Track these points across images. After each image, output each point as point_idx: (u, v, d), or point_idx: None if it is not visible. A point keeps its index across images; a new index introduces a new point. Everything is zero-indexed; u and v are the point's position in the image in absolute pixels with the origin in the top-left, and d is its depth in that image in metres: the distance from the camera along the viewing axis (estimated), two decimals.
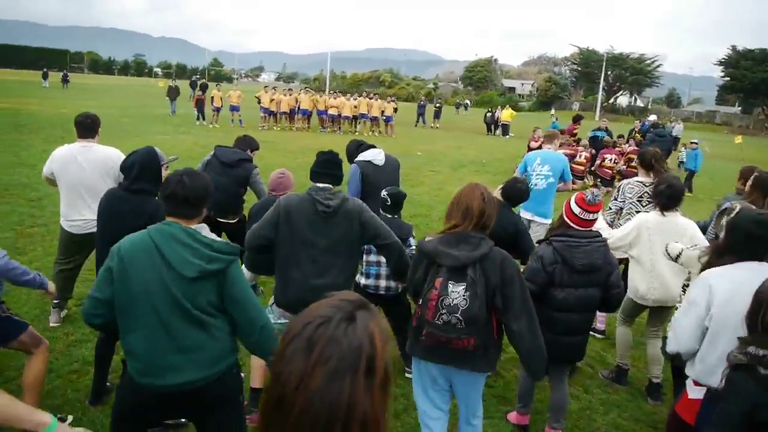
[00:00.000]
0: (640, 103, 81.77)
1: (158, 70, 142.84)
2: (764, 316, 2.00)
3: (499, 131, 30.50)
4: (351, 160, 5.39)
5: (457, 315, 2.65)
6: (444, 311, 2.67)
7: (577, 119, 18.22)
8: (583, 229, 3.32)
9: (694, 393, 2.67)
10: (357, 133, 24.84)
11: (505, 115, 30.44)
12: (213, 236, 2.43)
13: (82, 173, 4.36)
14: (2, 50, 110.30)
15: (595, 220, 3.34)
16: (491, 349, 2.86)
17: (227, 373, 2.44)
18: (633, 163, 14.28)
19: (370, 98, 26.09)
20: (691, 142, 15.19)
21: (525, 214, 6.26)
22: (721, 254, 2.77)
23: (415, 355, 2.97)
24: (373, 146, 5.48)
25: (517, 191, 4.14)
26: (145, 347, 2.31)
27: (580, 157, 13.93)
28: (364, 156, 5.30)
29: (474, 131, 31.45)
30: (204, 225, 2.50)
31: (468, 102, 65.02)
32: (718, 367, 2.53)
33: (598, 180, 13.76)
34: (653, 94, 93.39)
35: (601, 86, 65.32)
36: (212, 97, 23.54)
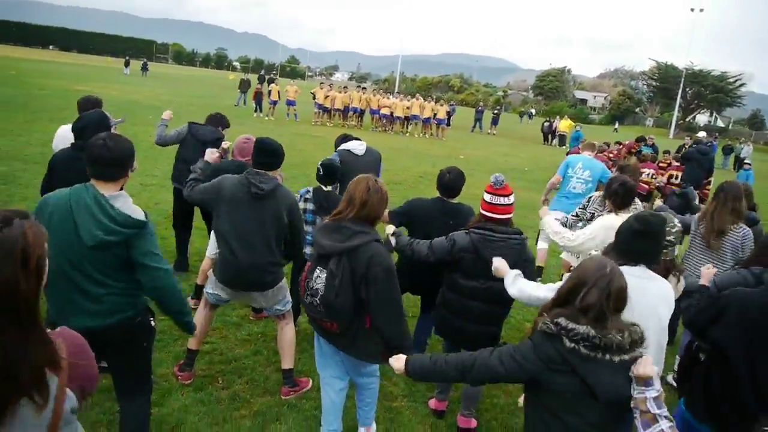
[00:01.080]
0: (720, 123, 77.58)
1: (236, 63, 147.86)
2: (585, 296, 1.99)
3: (555, 141, 29.93)
4: (336, 149, 5.66)
5: (317, 299, 2.82)
6: (309, 293, 2.86)
7: (640, 139, 18.01)
8: (498, 216, 3.34)
9: None
10: (408, 134, 25.05)
11: (563, 125, 29.84)
12: (128, 206, 2.59)
13: None
14: (95, 38, 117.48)
15: (508, 205, 3.36)
16: (360, 341, 2.90)
17: (125, 323, 2.67)
18: (674, 180, 13.81)
19: (425, 100, 26.28)
20: (745, 163, 14.51)
21: (558, 215, 6.29)
22: (606, 253, 2.75)
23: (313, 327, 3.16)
24: (358, 139, 5.70)
25: (445, 182, 4.06)
26: (55, 294, 2.59)
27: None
28: (345, 146, 5.55)
29: (531, 140, 31.02)
30: (123, 193, 2.64)
31: (533, 111, 63.72)
32: None
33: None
34: (736, 114, 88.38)
35: (677, 103, 62.46)
36: (269, 91, 24.34)
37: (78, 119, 3.67)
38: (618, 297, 2.00)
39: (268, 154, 3.66)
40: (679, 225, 3.16)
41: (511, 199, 3.38)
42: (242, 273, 3.57)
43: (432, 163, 15.89)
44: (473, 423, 3.69)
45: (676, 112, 62.90)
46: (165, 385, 3.78)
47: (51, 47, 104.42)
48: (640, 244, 2.64)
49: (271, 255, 3.63)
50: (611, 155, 15.08)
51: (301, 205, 4.30)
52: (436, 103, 26.60)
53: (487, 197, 3.38)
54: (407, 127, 25.92)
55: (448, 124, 32.14)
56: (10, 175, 8.49)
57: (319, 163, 4.30)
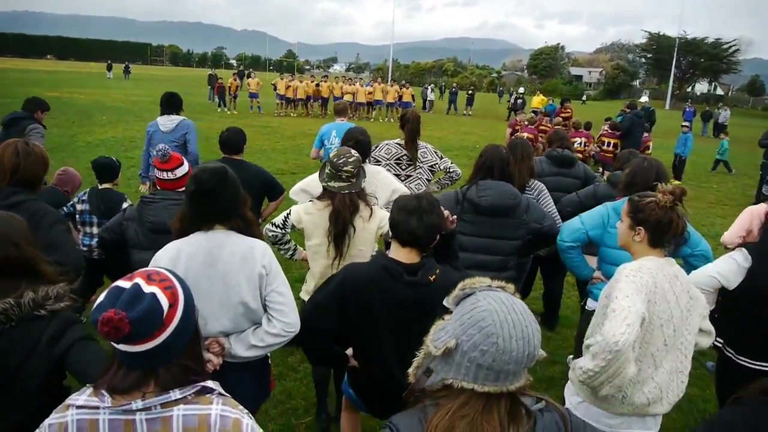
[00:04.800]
0: (720, 91, 76.31)
1: (233, 62, 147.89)
2: None
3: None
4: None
5: None
6: None
7: (564, 100, 18.37)
8: (167, 189, 3.12)
9: None
10: (371, 119, 24.88)
11: (536, 101, 29.42)
12: None
13: None
14: (91, 45, 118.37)
15: (176, 180, 3.06)
16: None
17: None
18: (606, 147, 13.55)
19: (391, 85, 26.13)
20: (683, 125, 14.13)
21: None
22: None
23: None
24: (170, 113, 5.62)
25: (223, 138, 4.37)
26: None
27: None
28: (159, 120, 5.62)
29: (505, 118, 30.69)
30: None
31: (522, 90, 62.78)
32: None
33: None
34: (736, 81, 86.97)
35: (672, 73, 61.35)
36: (229, 86, 24.26)
37: None
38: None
39: None
40: (357, 155, 2.97)
41: (177, 173, 3.07)
42: None
43: None
44: None
45: (671, 83, 61.90)
46: None
47: (48, 56, 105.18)
48: (195, 203, 2.28)
49: None
50: (540, 126, 14.79)
51: (79, 207, 4.16)
52: (401, 87, 26.39)
53: (155, 170, 3.15)
54: (371, 113, 25.76)
55: (428, 108, 31.87)
56: None
57: (92, 161, 4.21)
